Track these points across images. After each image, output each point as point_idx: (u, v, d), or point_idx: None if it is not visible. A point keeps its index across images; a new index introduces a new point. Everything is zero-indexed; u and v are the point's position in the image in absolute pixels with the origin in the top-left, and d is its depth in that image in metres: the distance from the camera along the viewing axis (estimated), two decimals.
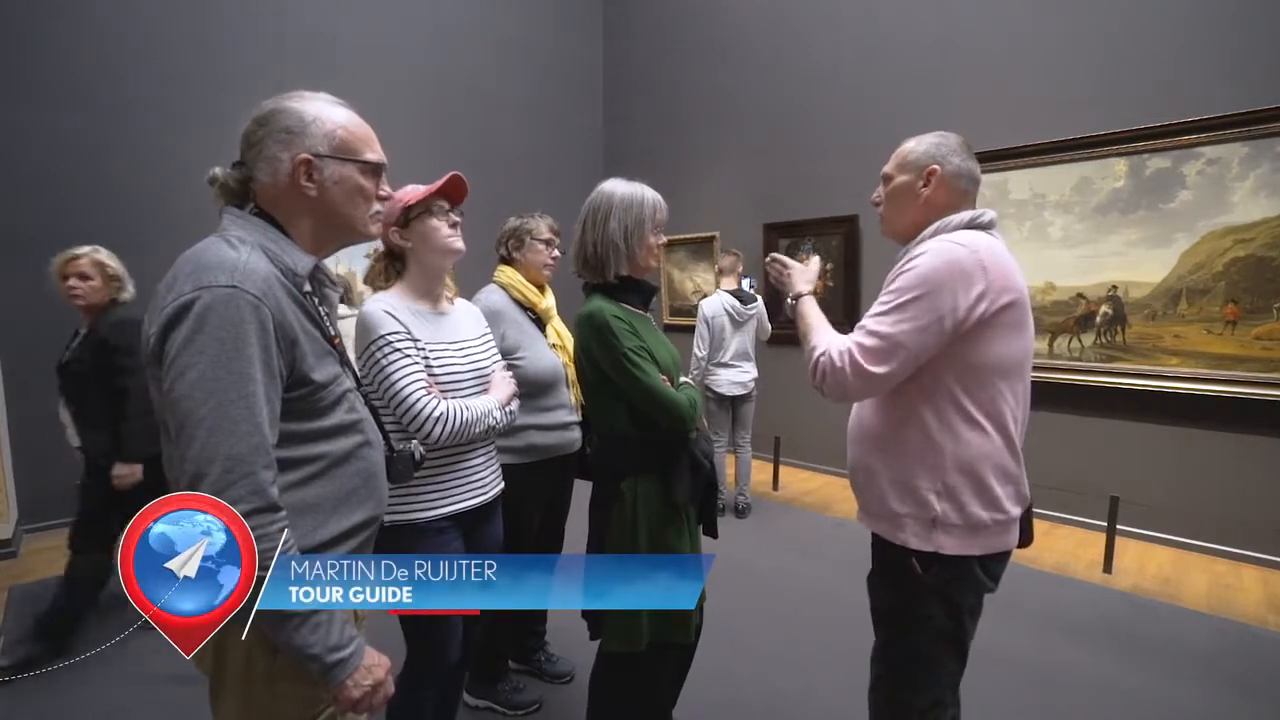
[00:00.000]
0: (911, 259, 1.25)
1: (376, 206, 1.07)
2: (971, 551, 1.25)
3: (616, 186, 1.56)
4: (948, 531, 1.24)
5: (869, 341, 1.22)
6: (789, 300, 1.48)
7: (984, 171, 1.44)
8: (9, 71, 3.64)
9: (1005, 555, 1.31)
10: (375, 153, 1.05)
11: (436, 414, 1.45)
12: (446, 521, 1.56)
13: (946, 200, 1.33)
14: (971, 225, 1.29)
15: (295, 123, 0.98)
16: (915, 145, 1.37)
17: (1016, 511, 1.28)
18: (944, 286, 1.18)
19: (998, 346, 1.22)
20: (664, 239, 1.60)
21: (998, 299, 1.20)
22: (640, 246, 1.55)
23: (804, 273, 1.51)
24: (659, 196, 1.59)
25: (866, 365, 1.22)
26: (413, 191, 1.57)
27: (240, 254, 0.91)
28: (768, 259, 1.60)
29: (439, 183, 1.56)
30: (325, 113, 1.01)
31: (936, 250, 1.22)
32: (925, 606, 1.29)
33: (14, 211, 3.68)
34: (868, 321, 1.25)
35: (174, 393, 0.85)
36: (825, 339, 1.32)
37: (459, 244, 1.59)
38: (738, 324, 3.91)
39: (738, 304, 3.90)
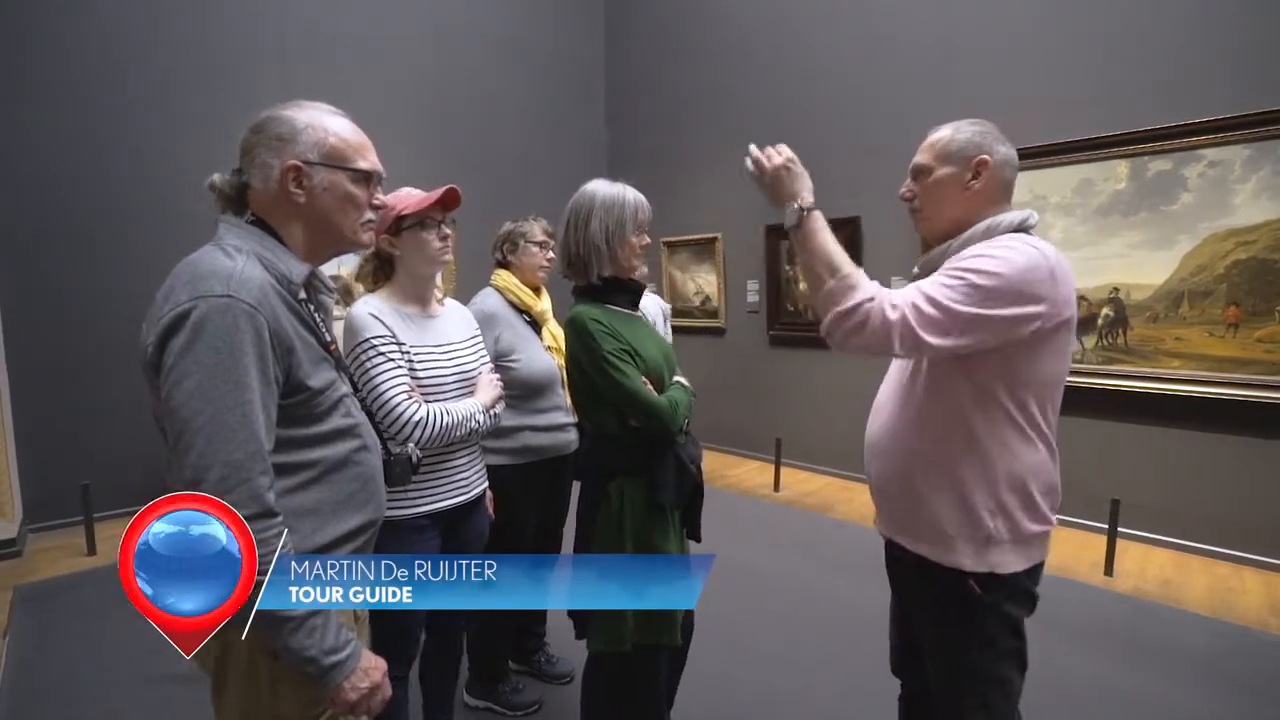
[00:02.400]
0: (989, 249, 1.15)
1: (369, 215, 1.07)
2: (1023, 566, 1.21)
3: (599, 187, 1.56)
4: (1001, 549, 1.19)
5: (929, 310, 1.10)
6: (795, 207, 1.23)
7: None
8: (9, 71, 3.64)
9: (1042, 564, 1.27)
10: (368, 161, 1.05)
11: (416, 418, 1.46)
12: (425, 520, 1.57)
13: (994, 192, 1.24)
14: (1021, 228, 1.21)
15: (287, 130, 0.99)
16: (953, 134, 1.26)
17: (1055, 522, 1.25)
18: (1021, 291, 1.10)
19: (1049, 359, 1.17)
20: (646, 239, 1.60)
21: (1060, 314, 1.14)
22: (622, 247, 1.54)
23: (805, 174, 1.26)
24: (641, 197, 1.58)
25: (922, 332, 1.10)
26: (408, 197, 1.56)
27: (236, 263, 0.92)
28: (753, 150, 1.32)
29: (435, 195, 1.55)
30: (318, 120, 1.01)
31: (1019, 250, 1.12)
32: (988, 627, 1.23)
33: (14, 211, 3.68)
34: (930, 289, 1.12)
35: (171, 401, 0.86)
36: (866, 280, 1.15)
37: (448, 257, 1.63)
38: (665, 322, 4.32)
39: (666, 306, 4.28)
